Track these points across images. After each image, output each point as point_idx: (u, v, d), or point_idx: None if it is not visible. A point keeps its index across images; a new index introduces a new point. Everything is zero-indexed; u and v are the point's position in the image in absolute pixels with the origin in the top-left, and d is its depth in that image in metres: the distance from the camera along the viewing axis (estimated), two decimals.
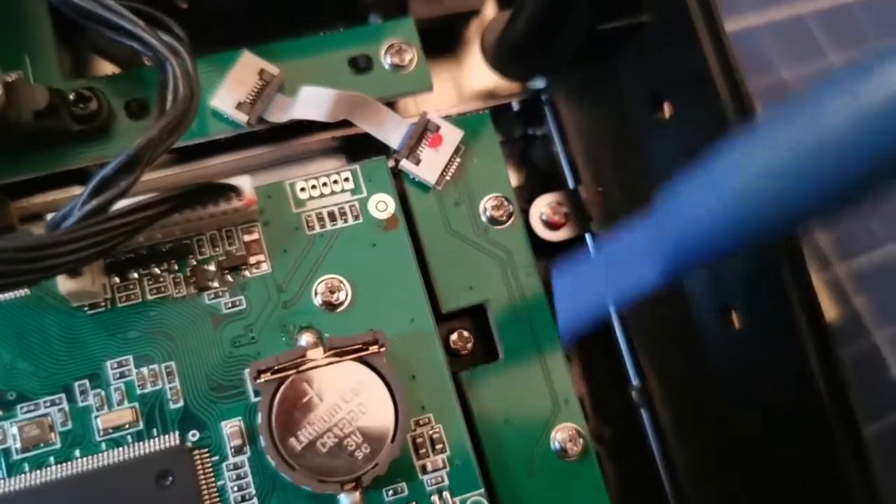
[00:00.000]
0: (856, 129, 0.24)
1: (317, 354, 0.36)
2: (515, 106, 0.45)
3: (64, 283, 0.35)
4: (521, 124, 0.46)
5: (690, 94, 0.39)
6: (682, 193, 0.29)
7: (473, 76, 0.47)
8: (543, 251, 0.43)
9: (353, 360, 0.36)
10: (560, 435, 0.39)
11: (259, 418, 0.35)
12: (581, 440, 0.39)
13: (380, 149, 0.42)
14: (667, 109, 0.41)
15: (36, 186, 0.39)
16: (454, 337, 0.41)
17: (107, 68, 0.44)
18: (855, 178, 0.25)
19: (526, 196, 0.44)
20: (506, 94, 0.46)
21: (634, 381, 0.42)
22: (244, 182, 0.37)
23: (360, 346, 0.37)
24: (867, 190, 0.25)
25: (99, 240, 0.33)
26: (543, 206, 0.43)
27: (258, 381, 0.35)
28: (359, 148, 0.43)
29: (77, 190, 0.39)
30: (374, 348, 0.37)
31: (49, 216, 0.34)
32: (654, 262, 0.30)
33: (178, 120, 0.35)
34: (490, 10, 0.47)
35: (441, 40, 0.46)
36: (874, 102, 0.23)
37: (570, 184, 0.44)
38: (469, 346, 0.41)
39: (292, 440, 0.35)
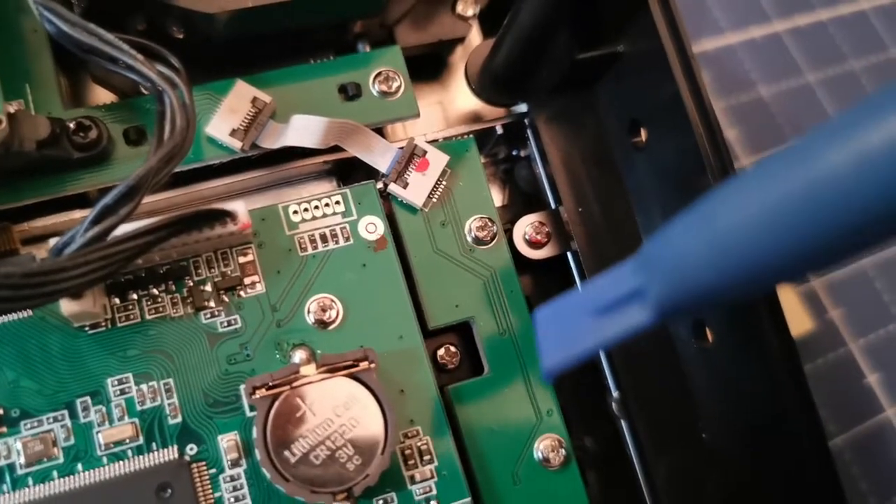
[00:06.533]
0: (853, 175, 0.23)
1: (310, 371, 0.38)
2: (499, 129, 0.46)
3: (66, 305, 0.37)
4: (505, 146, 0.48)
5: (664, 119, 0.41)
6: (677, 236, 0.28)
7: (458, 100, 0.49)
8: (526, 269, 0.45)
9: (345, 376, 0.38)
10: (543, 444, 0.41)
11: (255, 432, 0.37)
12: (563, 450, 0.41)
13: (369, 171, 0.43)
14: (643, 134, 0.42)
15: (37, 210, 0.41)
16: (441, 352, 0.43)
17: (105, 96, 0.45)
18: (851, 225, 0.23)
19: (510, 216, 0.46)
20: (490, 118, 0.48)
21: (615, 394, 0.44)
22: (239, 207, 0.39)
23: (350, 362, 0.38)
24: (864, 237, 0.24)
25: (101, 265, 0.35)
26: (526, 226, 0.45)
27: (254, 396, 0.37)
28: (349, 170, 0.45)
29: (77, 213, 0.41)
30: (364, 364, 0.38)
31: (52, 242, 0.36)
32: (643, 305, 0.30)
33: (175, 150, 0.36)
34: (475, 38, 0.48)
35: (427, 66, 0.48)
36: (872, 149, 0.22)
37: (552, 204, 0.45)
38: (456, 360, 0.43)
39: (286, 453, 0.37)
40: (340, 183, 0.45)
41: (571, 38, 0.42)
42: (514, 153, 0.48)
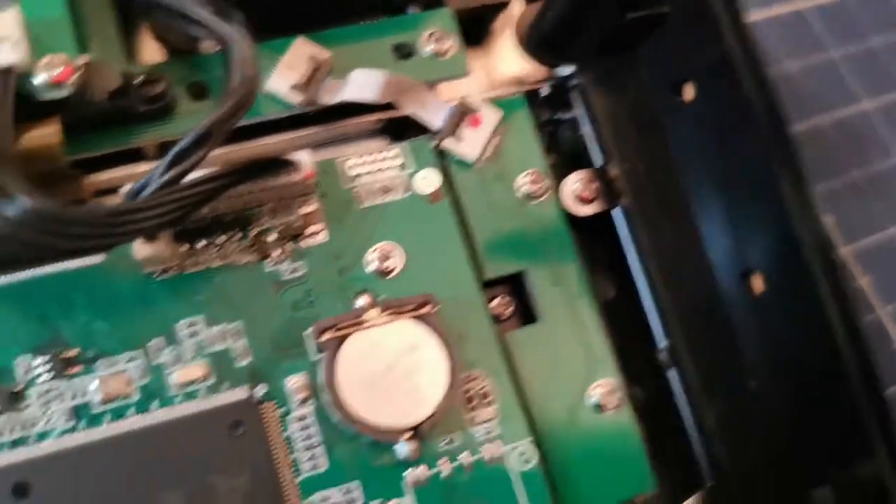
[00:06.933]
0: None
1: (373, 315, 0.39)
2: (544, 91, 0.47)
3: (140, 248, 0.38)
4: (548, 109, 0.49)
5: (711, 76, 0.42)
6: None
7: (501, 64, 0.50)
8: (574, 225, 0.46)
9: (409, 318, 0.39)
10: (597, 390, 0.42)
11: (323, 373, 0.38)
12: (617, 394, 0.42)
13: (421, 130, 0.44)
14: (688, 92, 0.43)
15: (95, 164, 0.42)
16: (495, 302, 0.44)
17: (150, 54, 0.46)
18: None
19: (555, 176, 0.47)
20: (532, 81, 0.49)
21: (662, 343, 0.45)
22: (303, 157, 0.40)
23: (414, 306, 0.39)
24: None
25: (176, 206, 0.36)
26: (575, 182, 0.46)
27: (321, 338, 0.38)
28: (401, 129, 0.46)
29: (142, 166, 0.42)
30: (427, 308, 0.39)
31: (127, 186, 0.37)
32: None
33: (245, 98, 0.37)
34: (517, 3, 0.50)
35: (470, 30, 0.49)
36: None
37: (599, 162, 0.46)
38: (509, 310, 0.44)
39: (355, 393, 0.38)
40: (393, 142, 0.46)
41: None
42: (556, 117, 0.49)
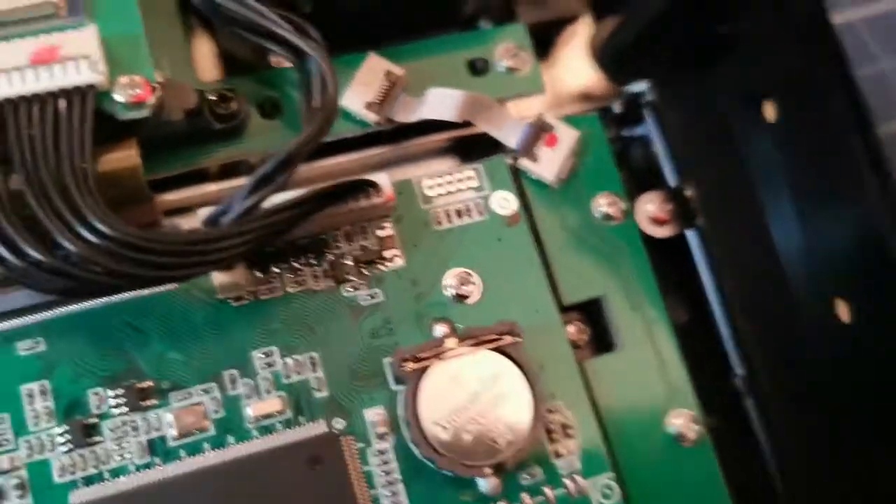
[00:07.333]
0: None
1: (453, 344, 0.37)
2: (617, 108, 0.46)
3: (216, 275, 0.36)
4: (615, 127, 0.48)
5: (797, 92, 0.40)
6: None
7: (567, 78, 0.48)
8: (649, 247, 0.45)
9: (491, 349, 0.38)
10: (676, 421, 0.41)
11: (403, 406, 0.37)
12: (696, 426, 0.41)
13: (489, 148, 0.43)
14: (770, 111, 0.42)
15: (164, 184, 0.40)
16: (571, 329, 0.43)
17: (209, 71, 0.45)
18: None
19: (629, 197, 0.46)
20: (601, 96, 0.47)
21: (739, 370, 0.44)
22: (382, 179, 0.38)
23: (496, 335, 0.38)
24: None
25: (258, 234, 0.35)
26: (648, 204, 0.45)
27: (402, 369, 0.37)
28: (469, 148, 0.44)
29: (211, 186, 0.40)
30: (509, 338, 0.38)
31: (204, 211, 0.36)
32: None
33: (327, 120, 0.36)
34: (588, 16, 0.48)
35: (538, 45, 0.48)
36: None
37: (673, 182, 0.45)
38: (584, 337, 0.43)
39: (437, 427, 0.36)
40: (462, 160, 0.44)
41: (699, 16, 0.42)
42: (627, 134, 0.48)
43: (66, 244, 0.31)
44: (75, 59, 0.33)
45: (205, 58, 0.44)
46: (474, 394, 0.37)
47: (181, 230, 0.38)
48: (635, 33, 0.43)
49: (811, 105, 0.40)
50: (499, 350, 0.38)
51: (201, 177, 0.41)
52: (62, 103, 0.33)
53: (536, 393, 0.37)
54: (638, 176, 0.47)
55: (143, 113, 0.34)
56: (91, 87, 0.33)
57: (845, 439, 0.42)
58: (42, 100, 0.33)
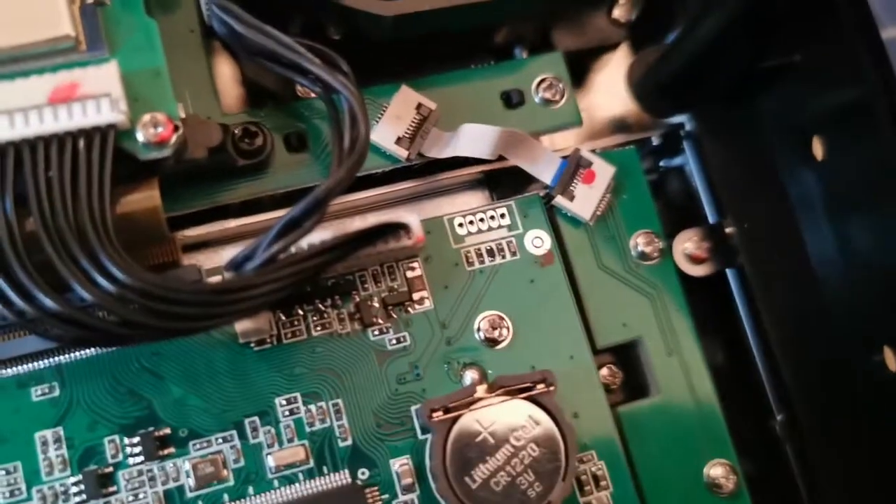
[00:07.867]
0: None
1: (483, 392, 0.36)
2: (655, 140, 0.44)
3: (240, 322, 0.35)
4: (652, 158, 0.46)
5: (846, 129, 0.39)
6: None
7: (603, 109, 0.47)
8: (686, 286, 0.43)
9: (523, 398, 0.36)
10: (713, 471, 0.39)
11: (432, 457, 0.35)
12: (734, 476, 0.39)
13: (519, 181, 0.41)
14: (819, 147, 0.40)
15: (184, 220, 0.39)
16: (604, 372, 0.41)
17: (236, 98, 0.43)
18: None
19: (664, 231, 0.44)
20: (638, 128, 0.46)
21: (779, 415, 0.42)
22: (413, 220, 0.37)
23: (529, 384, 0.36)
24: None
25: (287, 283, 0.33)
26: (686, 242, 0.43)
27: (432, 419, 0.35)
28: (499, 180, 0.43)
29: (231, 223, 0.39)
30: (542, 387, 0.36)
31: (227, 253, 0.34)
32: None
33: (358, 161, 0.34)
34: (626, 45, 0.46)
35: (574, 74, 0.46)
36: None
37: (712, 218, 0.43)
38: (618, 380, 0.41)
39: (467, 479, 0.35)
40: (493, 195, 0.43)
41: (747, 49, 0.40)
42: (665, 166, 0.46)
43: (83, 292, 0.30)
44: (96, 97, 0.32)
45: (229, 86, 0.42)
46: (505, 445, 0.36)
47: (203, 281, 0.36)
48: (679, 65, 0.41)
49: (862, 142, 0.38)
50: (531, 399, 0.36)
51: (223, 212, 0.39)
52: (81, 144, 0.31)
53: (569, 444, 0.36)
54: (677, 211, 0.45)
55: (165, 153, 0.33)
56: (112, 126, 0.32)
57: (888, 490, 0.40)
58: (61, 140, 0.31)
